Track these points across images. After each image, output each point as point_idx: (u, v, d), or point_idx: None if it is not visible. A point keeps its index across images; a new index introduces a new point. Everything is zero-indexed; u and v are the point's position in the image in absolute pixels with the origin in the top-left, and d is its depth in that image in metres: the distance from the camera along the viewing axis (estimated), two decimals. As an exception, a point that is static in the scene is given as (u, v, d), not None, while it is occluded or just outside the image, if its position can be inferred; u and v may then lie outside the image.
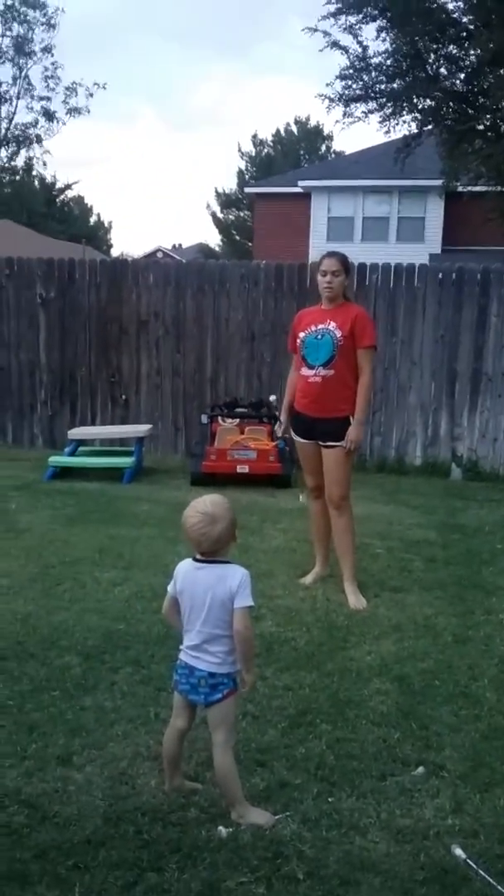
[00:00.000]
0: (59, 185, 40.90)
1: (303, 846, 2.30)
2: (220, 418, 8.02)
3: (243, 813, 2.41)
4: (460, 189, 15.98)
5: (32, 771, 2.65)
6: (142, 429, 8.23)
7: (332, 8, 13.63)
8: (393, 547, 5.44)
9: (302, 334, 4.43)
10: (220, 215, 41.08)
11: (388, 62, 14.01)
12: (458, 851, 2.27)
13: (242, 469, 7.28)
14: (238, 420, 8.00)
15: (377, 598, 4.40)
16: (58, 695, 3.18)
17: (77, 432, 8.22)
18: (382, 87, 14.65)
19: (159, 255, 40.79)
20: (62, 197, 42.76)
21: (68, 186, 42.27)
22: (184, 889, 2.12)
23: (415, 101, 14.25)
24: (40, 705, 3.09)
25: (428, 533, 5.89)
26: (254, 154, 40.81)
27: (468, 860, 2.23)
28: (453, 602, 4.40)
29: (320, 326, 4.36)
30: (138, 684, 3.28)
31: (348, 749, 2.83)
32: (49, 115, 28.19)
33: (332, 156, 37.47)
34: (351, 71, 14.56)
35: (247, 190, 31.35)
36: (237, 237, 39.83)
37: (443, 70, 13.99)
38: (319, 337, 4.34)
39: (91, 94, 27.54)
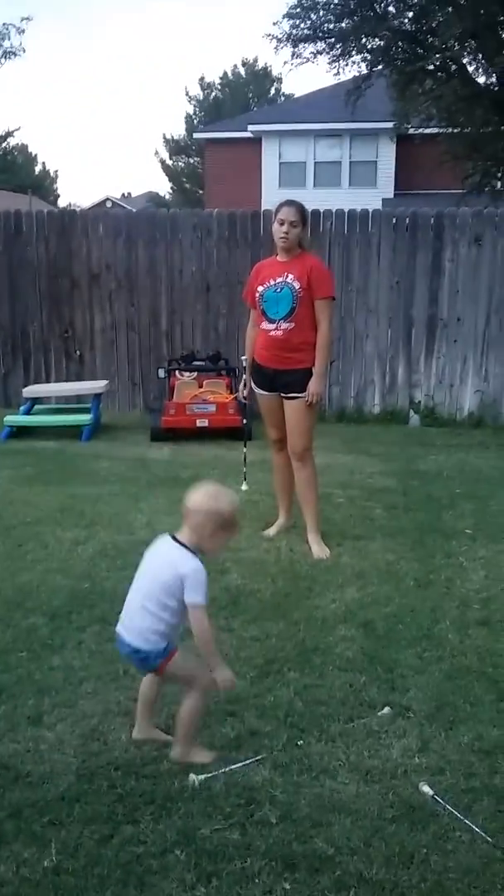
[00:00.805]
0: None
1: (274, 791, 2.35)
2: (177, 372, 7.94)
3: (184, 754, 2.45)
4: (412, 132, 15.82)
5: (3, 732, 2.65)
6: (98, 385, 8.11)
7: None
8: (354, 496, 5.49)
9: (260, 288, 4.37)
10: (169, 162, 40.13)
11: (336, 0, 13.69)
12: (426, 788, 2.34)
13: (202, 423, 7.25)
14: (196, 373, 7.93)
15: (340, 547, 4.45)
16: (25, 656, 3.17)
17: (32, 390, 8.06)
18: (331, 26, 14.32)
19: (108, 204, 39.83)
20: (4, 145, 41.27)
21: (10, 133, 40.80)
22: (159, 839, 2.15)
23: (363, 40, 13.98)
24: (8, 667, 3.08)
25: (388, 480, 5.96)
26: (202, 98, 39.76)
27: (435, 796, 2.30)
28: (414, 547, 4.47)
29: (278, 280, 4.30)
30: (106, 642, 3.28)
31: (316, 695, 2.89)
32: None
33: (282, 99, 36.70)
34: (298, 10, 14.19)
35: (196, 135, 30.62)
36: (187, 185, 39.03)
37: (391, 8, 13.71)
38: (278, 290, 4.29)
39: (22, 31, 26.27)
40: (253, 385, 4.59)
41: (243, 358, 4.77)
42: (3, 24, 26.29)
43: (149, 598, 2.40)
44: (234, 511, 2.46)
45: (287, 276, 4.28)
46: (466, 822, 2.19)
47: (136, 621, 2.42)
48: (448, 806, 2.26)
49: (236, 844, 2.13)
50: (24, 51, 28.68)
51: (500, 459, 6.80)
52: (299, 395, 4.34)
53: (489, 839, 2.14)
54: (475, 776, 2.43)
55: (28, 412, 7.82)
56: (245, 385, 4.65)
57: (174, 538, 2.46)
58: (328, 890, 1.98)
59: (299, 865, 2.06)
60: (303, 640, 3.31)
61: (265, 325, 4.36)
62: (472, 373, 8.39)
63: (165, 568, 2.40)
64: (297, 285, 4.24)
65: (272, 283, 4.32)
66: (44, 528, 4.71)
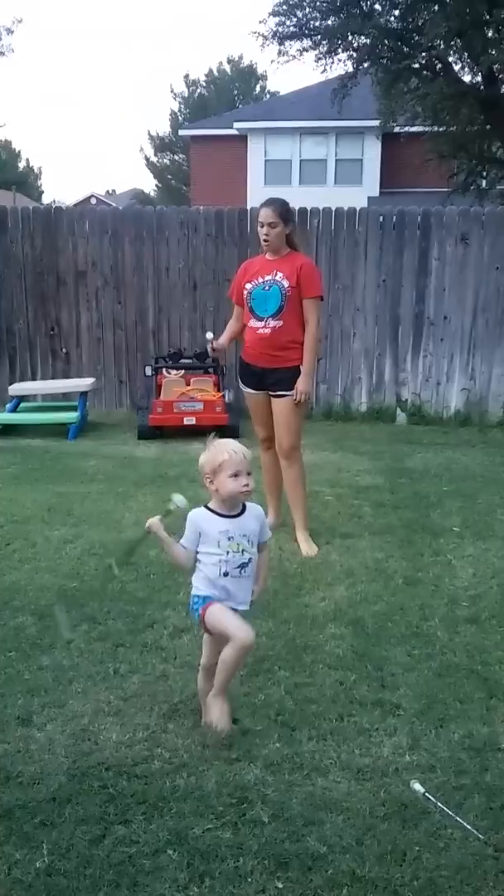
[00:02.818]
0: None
1: (266, 790, 2.35)
2: (164, 370, 7.92)
3: (214, 700, 2.62)
4: (397, 130, 15.86)
5: (-8, 733, 2.63)
6: (85, 382, 8.07)
7: None
8: (342, 494, 5.50)
9: (249, 286, 4.36)
10: (154, 159, 40.01)
11: (322, -3, 13.70)
12: (417, 786, 2.35)
13: (189, 421, 7.23)
14: (183, 371, 7.91)
15: (329, 545, 4.45)
16: (14, 655, 3.15)
17: (18, 388, 8.02)
18: (317, 24, 14.32)
19: (93, 201, 39.68)
20: (-12, 141, 40.99)
21: (-6, 131, 40.50)
22: (151, 839, 2.15)
23: (350, 38, 13.99)
24: (-4, 667, 3.06)
25: (376, 478, 5.97)
26: (187, 95, 39.66)
27: (426, 794, 2.31)
28: (402, 545, 4.49)
29: (267, 277, 4.30)
30: (95, 641, 3.27)
31: (306, 693, 2.89)
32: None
33: (268, 96, 36.69)
34: (285, 7, 14.18)
35: (181, 132, 30.53)
36: (173, 182, 38.94)
37: (377, 6, 13.72)
38: (267, 288, 4.28)
39: (11, 31, 26.14)
40: (241, 384, 4.59)
41: (209, 334, 4.89)
42: None
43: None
44: (209, 458, 2.58)
45: (276, 275, 4.27)
46: (458, 819, 2.20)
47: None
48: (439, 803, 2.27)
49: (229, 844, 2.13)
50: (13, 51, 28.53)
51: (486, 457, 6.84)
52: (287, 392, 4.34)
53: (480, 836, 2.15)
54: (466, 773, 2.44)
55: (14, 410, 7.78)
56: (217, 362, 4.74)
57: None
58: (321, 888, 1.98)
59: (292, 864, 2.06)
60: (293, 639, 3.32)
61: (253, 323, 4.36)
62: (459, 371, 8.42)
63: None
64: (286, 283, 4.24)
65: (260, 280, 4.32)
66: (31, 527, 4.68)
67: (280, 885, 1.99)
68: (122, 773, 2.42)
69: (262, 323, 4.31)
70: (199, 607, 2.60)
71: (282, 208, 4.31)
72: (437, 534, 4.69)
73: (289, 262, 4.29)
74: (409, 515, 5.04)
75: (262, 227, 4.27)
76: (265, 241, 4.29)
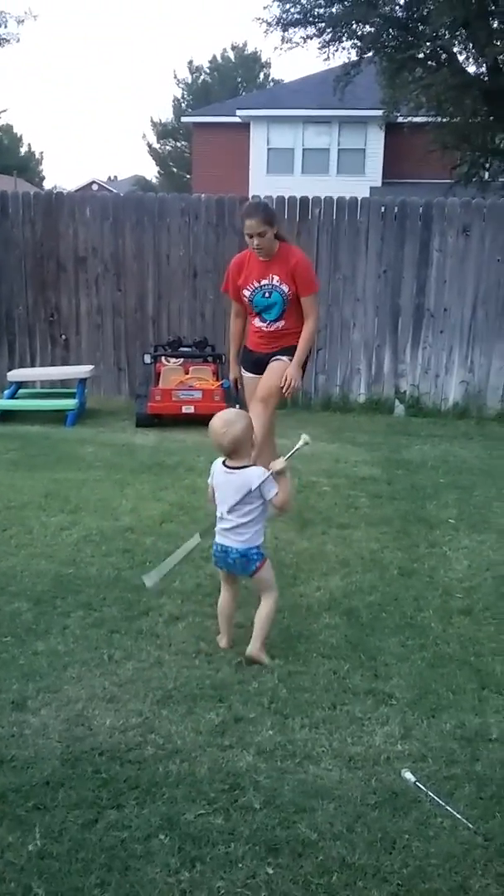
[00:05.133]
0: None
1: (258, 777, 2.37)
2: (163, 358, 7.91)
3: (257, 652, 2.99)
4: (400, 120, 15.76)
5: (-13, 717, 2.64)
6: (84, 370, 8.06)
7: None
8: (339, 484, 5.51)
9: (247, 292, 4.40)
10: (156, 146, 39.81)
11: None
12: (408, 775, 2.36)
13: (188, 409, 7.23)
14: (182, 360, 7.90)
15: (325, 535, 4.46)
16: (9, 640, 3.16)
17: (17, 374, 8.00)
18: (321, 11, 14.23)
19: (94, 187, 39.45)
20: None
21: (-4, 115, 40.16)
22: (143, 824, 2.16)
23: (354, 26, 13.90)
24: (-8, 652, 3.07)
25: (373, 470, 5.98)
26: (190, 81, 39.42)
27: (417, 783, 2.33)
28: (398, 536, 4.50)
29: (264, 283, 4.33)
30: (90, 627, 3.29)
31: (300, 682, 2.90)
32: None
33: (271, 84, 36.48)
34: (289, -7, 14.09)
35: (183, 119, 30.38)
36: (175, 169, 38.75)
37: (383, -6, 13.62)
38: (267, 295, 4.35)
39: (21, 22, 25.83)
40: (242, 369, 4.64)
41: (232, 373, 4.83)
42: (2, 11, 25.93)
43: (238, 514, 2.99)
44: (246, 415, 3.10)
45: (273, 279, 4.32)
46: (448, 808, 2.22)
47: (238, 530, 3.00)
48: (430, 792, 2.28)
49: (220, 829, 2.14)
50: (18, 40, 28.33)
51: (483, 450, 6.85)
52: (283, 357, 4.41)
53: (470, 826, 2.17)
54: (457, 763, 2.46)
55: (12, 396, 7.77)
56: (236, 382, 4.77)
57: (231, 467, 3.01)
58: (311, 874, 2.00)
59: (282, 850, 2.07)
60: (287, 628, 3.33)
61: (257, 322, 4.48)
62: (458, 363, 8.42)
63: (243, 488, 2.96)
64: (285, 289, 4.32)
65: (258, 285, 4.36)
66: (28, 513, 4.69)
67: (270, 871, 2.00)
68: (115, 759, 2.43)
69: (266, 324, 4.46)
70: (262, 556, 3.05)
71: (265, 214, 4.28)
72: (432, 525, 4.70)
73: (282, 261, 4.31)
74: (406, 507, 5.05)
75: (252, 238, 4.26)
76: (258, 249, 4.30)
